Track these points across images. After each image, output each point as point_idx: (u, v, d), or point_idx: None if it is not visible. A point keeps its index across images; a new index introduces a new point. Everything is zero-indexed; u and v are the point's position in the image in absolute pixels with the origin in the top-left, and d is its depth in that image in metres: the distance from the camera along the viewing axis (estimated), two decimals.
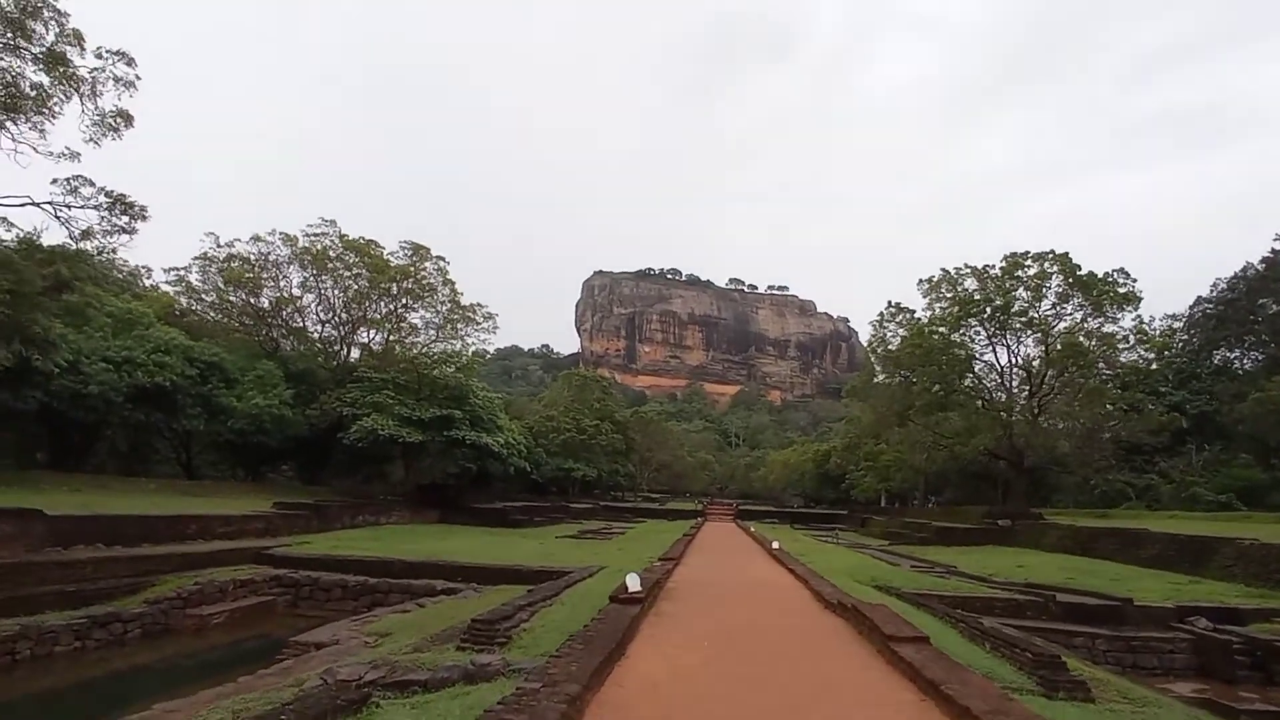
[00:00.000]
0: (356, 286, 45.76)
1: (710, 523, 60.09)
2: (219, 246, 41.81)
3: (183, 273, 41.57)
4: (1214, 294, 62.70)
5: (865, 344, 52.66)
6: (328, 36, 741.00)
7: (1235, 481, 48.15)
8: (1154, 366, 45.29)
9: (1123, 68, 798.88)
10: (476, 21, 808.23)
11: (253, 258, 42.39)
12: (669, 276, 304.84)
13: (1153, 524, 33.55)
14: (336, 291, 44.94)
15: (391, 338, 47.70)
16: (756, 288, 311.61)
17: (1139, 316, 44.80)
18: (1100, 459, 46.66)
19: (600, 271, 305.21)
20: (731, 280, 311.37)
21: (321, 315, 46.06)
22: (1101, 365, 45.09)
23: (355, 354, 47.64)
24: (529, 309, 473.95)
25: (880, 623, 8.60)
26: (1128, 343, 44.76)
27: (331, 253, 43.66)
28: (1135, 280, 44.04)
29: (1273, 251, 56.01)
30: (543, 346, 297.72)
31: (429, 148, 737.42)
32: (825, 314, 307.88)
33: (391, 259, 45.59)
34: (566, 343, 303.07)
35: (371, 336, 47.93)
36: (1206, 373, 59.94)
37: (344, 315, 46.11)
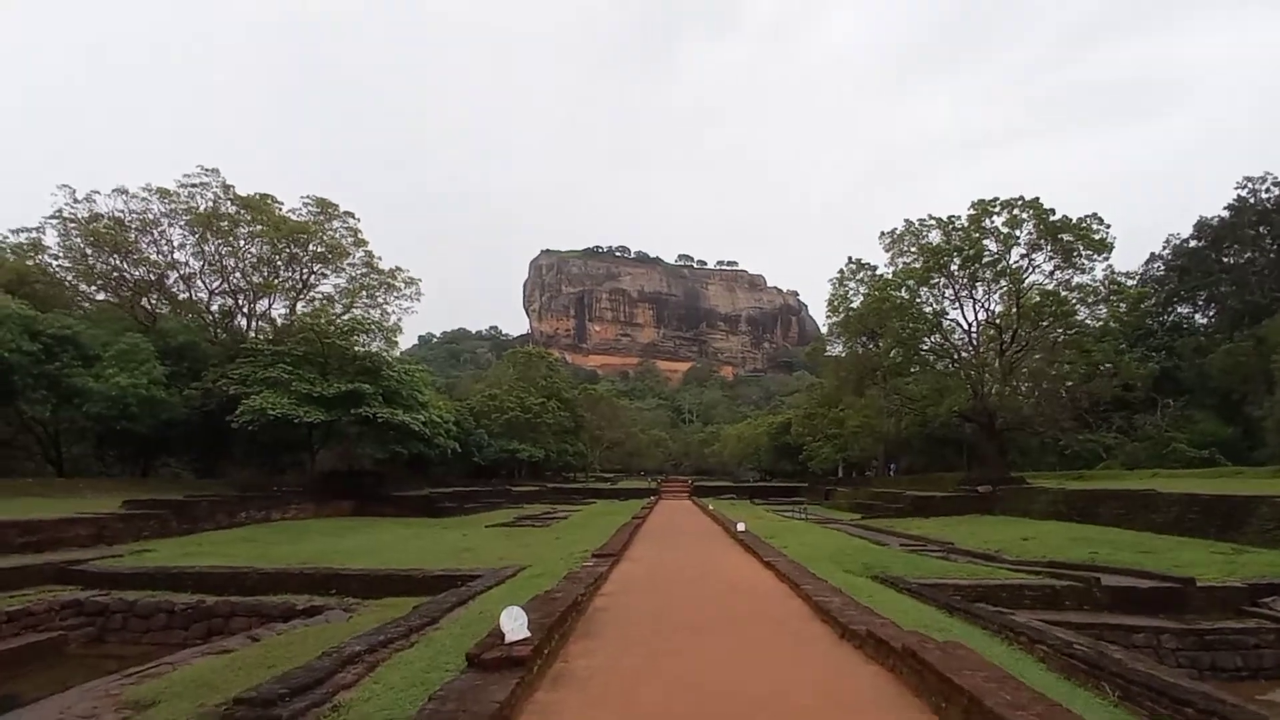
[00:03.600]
0: (256, 251, 39.97)
1: (664, 500, 56.25)
2: (75, 202, 35.63)
3: (36, 234, 35.35)
4: (1167, 250, 60.80)
5: (826, 302, 48.88)
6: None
7: (1205, 437, 46.05)
8: (1127, 319, 42.33)
9: (1050, 39, 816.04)
10: None
11: (125, 218, 36.30)
12: (617, 254, 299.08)
13: (1138, 483, 30.67)
14: (229, 256, 39.01)
15: (301, 309, 42.12)
16: (706, 263, 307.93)
17: (1110, 266, 41.93)
18: (1063, 419, 43.56)
19: (547, 250, 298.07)
20: (680, 256, 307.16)
21: (212, 284, 40.14)
22: (1075, 318, 42.02)
23: (260, 328, 41.97)
24: (477, 292, 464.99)
25: (998, 706, 4.26)
26: (1098, 295, 41.83)
27: (221, 209, 37.73)
28: (1109, 226, 40.93)
29: (1238, 199, 53.79)
30: (491, 329, 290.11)
31: (367, 128, 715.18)
32: (775, 288, 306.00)
33: (292, 216, 39.88)
34: (516, 324, 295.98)
35: (272, 306, 42.24)
36: (1163, 329, 58.06)
37: (241, 283, 40.27)
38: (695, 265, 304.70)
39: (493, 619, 9.04)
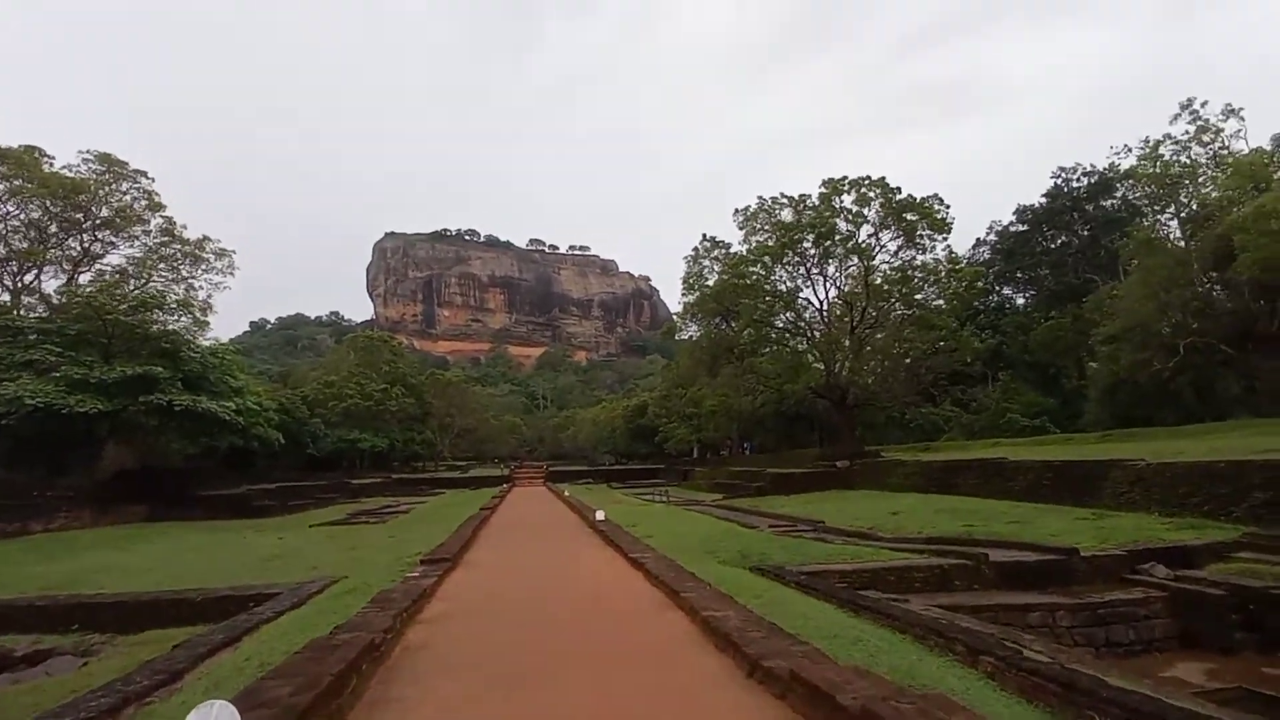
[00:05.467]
0: (20, 213, 33.37)
1: (518, 488, 53.74)
2: None
3: None
4: (992, 235, 64.75)
5: (681, 279, 47.81)
6: None
7: (1032, 407, 49.08)
8: (965, 295, 44.08)
9: (888, 41, 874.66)
10: None
11: None
12: (467, 238, 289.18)
13: (985, 452, 31.55)
14: None
15: (86, 282, 35.66)
16: (558, 248, 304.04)
17: (949, 247, 43.61)
18: (907, 393, 44.89)
19: (392, 233, 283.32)
20: (532, 241, 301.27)
21: None
22: (917, 297, 43.39)
23: (29, 305, 35.16)
24: (316, 276, 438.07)
25: None
26: (937, 274, 43.31)
27: None
28: (948, 206, 42.34)
29: (1054, 187, 57.75)
30: (332, 314, 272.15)
31: (178, 90, 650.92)
32: (627, 273, 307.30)
33: (67, 173, 33.56)
34: (360, 310, 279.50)
35: (42, 279, 35.51)
36: (989, 309, 61.78)
37: (1, 250, 33.43)
38: (547, 250, 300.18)
39: (264, 666, 6.42)
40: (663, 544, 14.72)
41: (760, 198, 45.29)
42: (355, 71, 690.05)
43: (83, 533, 23.54)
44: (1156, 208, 44.83)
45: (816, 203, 43.49)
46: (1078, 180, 56.26)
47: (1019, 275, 61.79)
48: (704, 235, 47.38)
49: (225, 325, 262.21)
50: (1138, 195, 47.51)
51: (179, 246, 37.37)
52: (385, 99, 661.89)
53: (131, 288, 35.29)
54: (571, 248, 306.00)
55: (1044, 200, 58.52)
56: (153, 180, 36.10)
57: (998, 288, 63.15)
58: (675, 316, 52.91)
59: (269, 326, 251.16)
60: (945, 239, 42.66)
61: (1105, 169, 52.47)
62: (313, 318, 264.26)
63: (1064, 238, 57.46)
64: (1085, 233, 55.58)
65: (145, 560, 17.57)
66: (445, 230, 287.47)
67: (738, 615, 6.77)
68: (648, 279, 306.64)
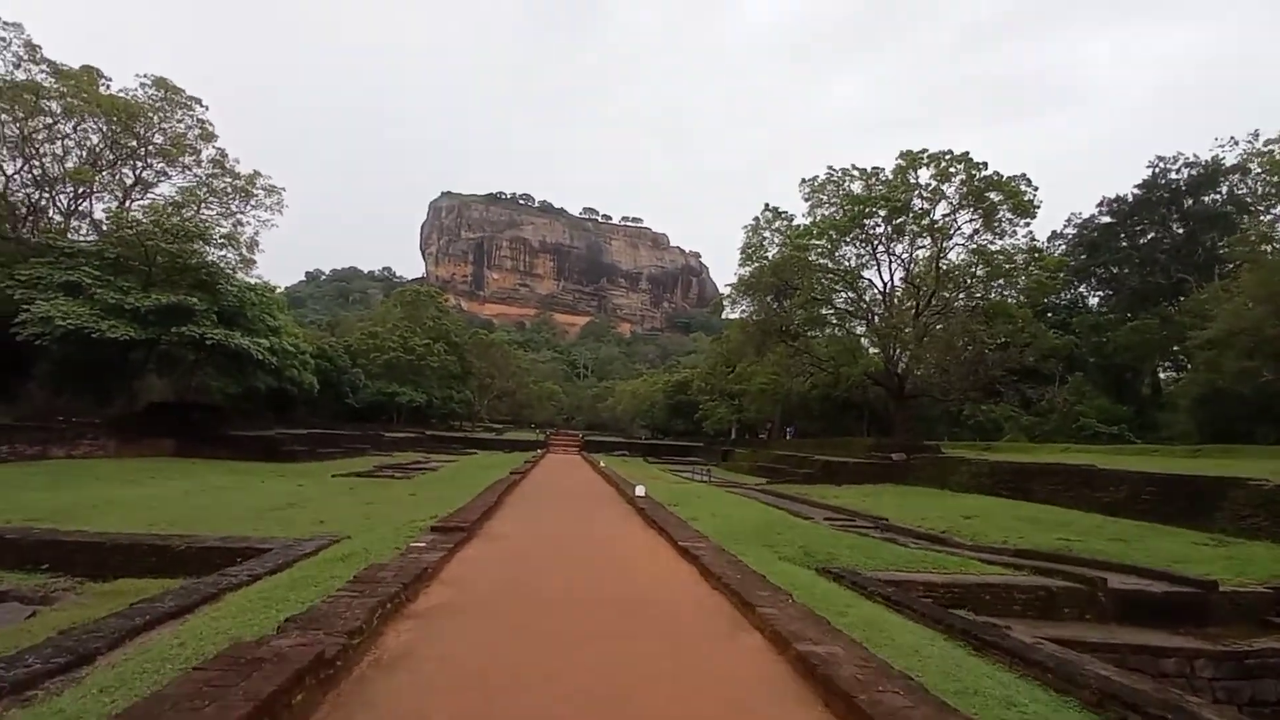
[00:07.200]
0: (75, 135, 32.69)
1: (552, 454, 52.47)
2: None
3: None
4: (1070, 228, 60.84)
5: (739, 249, 45.33)
6: None
7: (1103, 413, 45.90)
8: (1047, 283, 40.76)
9: (949, 39, 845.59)
10: None
11: None
12: (521, 202, 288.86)
13: (1053, 457, 29.07)
14: (40, 135, 31.37)
15: (136, 214, 35.09)
16: (610, 218, 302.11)
17: (1030, 233, 40.38)
18: (967, 387, 41.74)
19: (448, 193, 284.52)
20: (585, 209, 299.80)
21: (13, 169, 32.23)
22: (994, 283, 40.48)
23: (77, 228, 34.63)
24: (372, 231, 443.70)
25: None
26: (1014, 262, 40.21)
27: (28, 77, 30.07)
28: (1036, 188, 39.14)
29: (1151, 176, 53.46)
30: (384, 269, 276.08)
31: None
32: (678, 248, 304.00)
33: (124, 96, 32.68)
34: (411, 267, 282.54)
35: (91, 203, 34.86)
36: (1060, 306, 58.25)
37: (56, 170, 32.79)
38: (599, 219, 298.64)
39: (199, 656, 4.78)
40: (710, 528, 12.94)
41: (830, 168, 42.55)
42: (426, 33, 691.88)
43: (102, 462, 22.67)
44: (1262, 206, 41.15)
45: (890, 176, 40.75)
46: (1177, 171, 51.57)
47: (1098, 272, 57.90)
48: (766, 205, 44.93)
49: (281, 273, 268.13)
50: (1243, 191, 43.65)
51: (230, 180, 36.41)
52: (451, 60, 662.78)
53: (185, 216, 34.58)
54: (624, 218, 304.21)
55: (1137, 191, 54.08)
56: (206, 109, 35.17)
57: (1073, 284, 59.30)
58: (728, 288, 50.30)
59: (323, 278, 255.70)
60: (1028, 224, 39.49)
61: (1208, 161, 48.35)
62: (366, 272, 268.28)
63: (1155, 233, 53.28)
64: (1180, 229, 51.34)
65: (151, 497, 16.42)
66: (500, 193, 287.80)
67: (846, 653, 4.74)
68: (698, 255, 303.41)
